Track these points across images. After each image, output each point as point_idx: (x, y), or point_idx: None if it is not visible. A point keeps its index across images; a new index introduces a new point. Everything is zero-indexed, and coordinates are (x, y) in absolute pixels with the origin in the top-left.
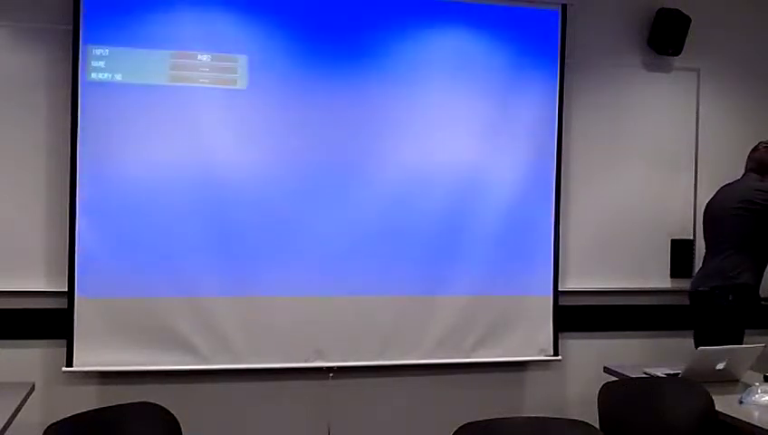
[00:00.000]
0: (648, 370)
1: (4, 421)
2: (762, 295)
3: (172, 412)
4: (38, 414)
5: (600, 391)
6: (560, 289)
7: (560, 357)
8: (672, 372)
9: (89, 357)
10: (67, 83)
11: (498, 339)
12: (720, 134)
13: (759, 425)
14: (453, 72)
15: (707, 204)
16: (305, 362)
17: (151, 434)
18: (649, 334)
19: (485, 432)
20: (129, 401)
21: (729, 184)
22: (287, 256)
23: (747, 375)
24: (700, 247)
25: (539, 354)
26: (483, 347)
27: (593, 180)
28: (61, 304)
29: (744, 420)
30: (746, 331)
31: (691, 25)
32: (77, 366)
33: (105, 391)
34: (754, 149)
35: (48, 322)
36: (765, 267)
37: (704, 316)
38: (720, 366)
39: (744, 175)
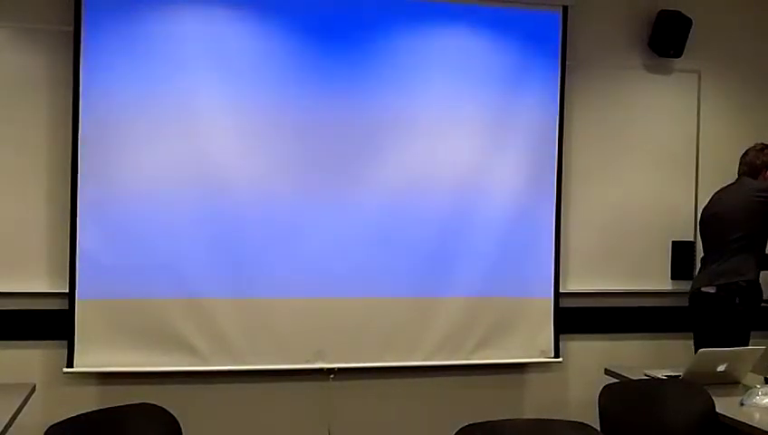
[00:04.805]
0: (648, 371)
1: (5, 422)
2: (764, 297)
3: (173, 413)
4: (39, 415)
5: (600, 393)
6: (560, 291)
7: (560, 359)
8: (673, 374)
9: (89, 358)
10: (68, 84)
11: (499, 341)
12: (721, 136)
13: (760, 427)
14: (454, 73)
15: (705, 208)
16: (306, 363)
17: None
18: (650, 336)
19: (486, 434)
20: (129, 402)
21: (725, 188)
22: (287, 257)
23: (748, 377)
24: (701, 250)
25: (540, 356)
26: (483, 349)
27: (594, 182)
28: (61, 305)
29: (744, 422)
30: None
31: (692, 27)
32: (78, 367)
33: (105, 392)
34: (745, 154)
35: (49, 323)
36: (765, 262)
37: (707, 318)
38: (721, 368)
39: (737, 179)
